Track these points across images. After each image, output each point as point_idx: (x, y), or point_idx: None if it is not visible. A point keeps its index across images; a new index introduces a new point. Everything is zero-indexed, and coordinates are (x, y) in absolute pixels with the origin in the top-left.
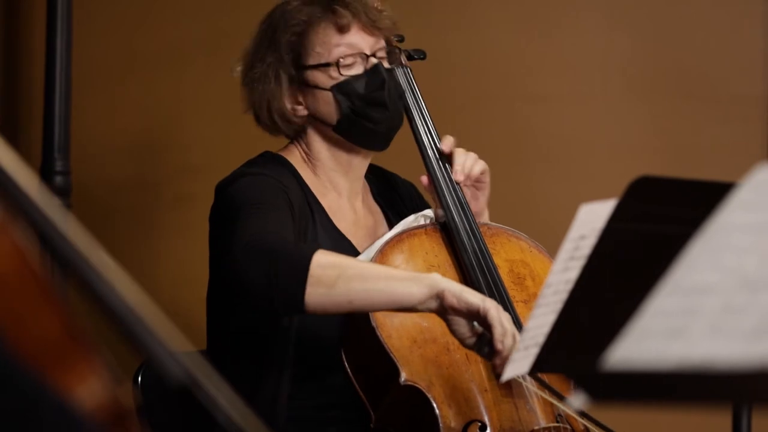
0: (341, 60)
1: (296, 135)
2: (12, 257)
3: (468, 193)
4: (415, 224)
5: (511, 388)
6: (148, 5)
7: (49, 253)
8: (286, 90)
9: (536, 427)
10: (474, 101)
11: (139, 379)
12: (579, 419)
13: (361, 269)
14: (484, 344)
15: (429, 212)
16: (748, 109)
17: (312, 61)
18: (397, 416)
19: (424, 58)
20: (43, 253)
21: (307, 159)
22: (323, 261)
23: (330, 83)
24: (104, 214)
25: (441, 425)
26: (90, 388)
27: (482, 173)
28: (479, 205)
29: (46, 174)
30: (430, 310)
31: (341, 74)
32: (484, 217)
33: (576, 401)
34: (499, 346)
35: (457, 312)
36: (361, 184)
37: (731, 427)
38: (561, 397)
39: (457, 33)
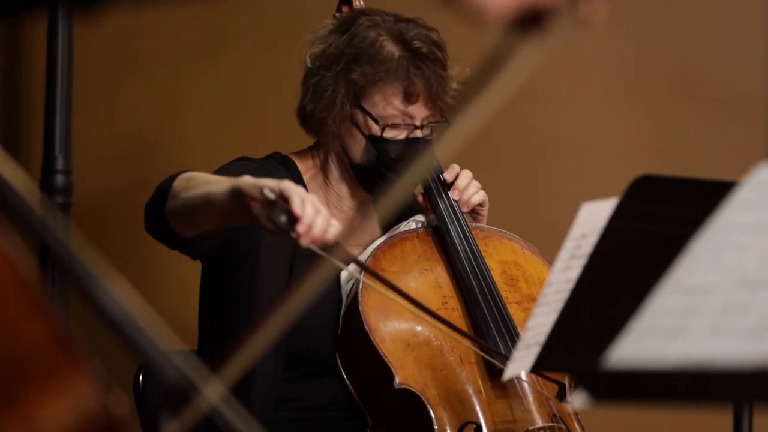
0: (389, 124)
1: (321, 145)
2: None
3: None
4: (407, 228)
5: (506, 388)
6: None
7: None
8: (332, 109)
9: (531, 427)
10: None
11: (140, 380)
12: (571, 412)
13: (199, 181)
14: (280, 212)
15: (420, 217)
16: (748, 111)
17: (366, 106)
18: (393, 419)
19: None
20: (38, 258)
21: (321, 168)
22: (185, 176)
23: (368, 132)
24: (105, 213)
25: (436, 427)
26: (78, 397)
27: (481, 204)
28: None
29: (47, 173)
30: (240, 211)
31: (382, 134)
32: None
33: (576, 400)
34: (298, 210)
35: (256, 198)
36: (368, 205)
37: (732, 427)
38: (562, 397)
39: (457, 32)
